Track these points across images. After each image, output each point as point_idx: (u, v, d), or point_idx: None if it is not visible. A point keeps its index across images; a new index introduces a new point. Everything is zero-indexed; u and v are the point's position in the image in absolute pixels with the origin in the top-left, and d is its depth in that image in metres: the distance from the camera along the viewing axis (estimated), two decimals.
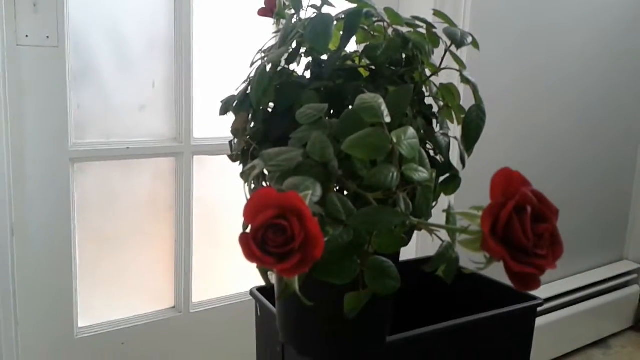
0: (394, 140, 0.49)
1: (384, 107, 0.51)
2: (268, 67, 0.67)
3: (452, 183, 0.65)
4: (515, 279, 0.39)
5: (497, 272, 1.53)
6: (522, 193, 0.39)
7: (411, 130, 0.51)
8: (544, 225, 0.40)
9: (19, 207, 1.10)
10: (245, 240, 0.37)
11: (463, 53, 0.73)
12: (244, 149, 0.73)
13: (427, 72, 0.69)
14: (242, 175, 0.52)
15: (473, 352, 0.88)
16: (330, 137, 0.54)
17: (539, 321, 1.72)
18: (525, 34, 1.69)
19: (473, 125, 0.63)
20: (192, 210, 1.33)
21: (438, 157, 0.66)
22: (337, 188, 0.54)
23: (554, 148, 1.86)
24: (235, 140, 0.73)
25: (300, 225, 0.36)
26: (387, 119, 0.50)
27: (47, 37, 1.11)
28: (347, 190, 0.53)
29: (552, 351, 1.89)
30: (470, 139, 0.63)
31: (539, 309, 1.81)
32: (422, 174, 0.49)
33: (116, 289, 1.30)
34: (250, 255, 0.36)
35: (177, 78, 1.28)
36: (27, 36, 1.09)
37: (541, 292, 1.74)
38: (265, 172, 0.54)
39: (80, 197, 1.21)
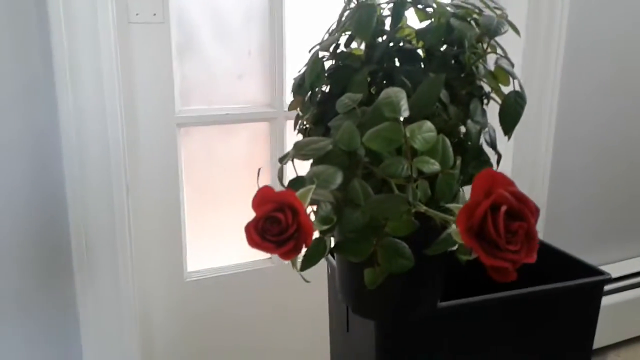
0: (408, 134, 0.54)
1: (403, 102, 0.56)
2: (321, 54, 0.73)
3: (484, 168, 0.67)
4: (491, 269, 0.44)
5: (565, 244, 1.50)
6: (498, 193, 0.43)
7: (427, 125, 0.55)
8: (520, 223, 0.43)
9: (133, 168, 1.26)
10: (248, 229, 0.45)
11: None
12: (303, 129, 0.80)
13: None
14: (280, 160, 0.60)
15: (530, 326, 0.90)
16: (360, 126, 0.60)
17: (607, 300, 1.65)
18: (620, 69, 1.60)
19: (510, 110, 0.65)
20: (285, 171, 1.43)
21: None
22: (365, 173, 0.60)
23: None
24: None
25: (293, 218, 0.43)
26: (405, 114, 0.55)
27: (154, 14, 1.24)
28: (374, 176, 0.59)
29: (617, 334, 1.76)
30: (506, 123, 0.66)
31: (608, 287, 1.75)
32: (432, 166, 0.53)
33: (220, 240, 1.45)
34: (251, 241, 0.44)
35: (271, 47, 1.37)
36: (137, 14, 1.22)
37: (613, 270, 1.65)
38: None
39: (187, 158, 1.36)
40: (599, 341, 1.70)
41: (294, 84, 0.78)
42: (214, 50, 1.33)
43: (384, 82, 0.74)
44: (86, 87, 1.08)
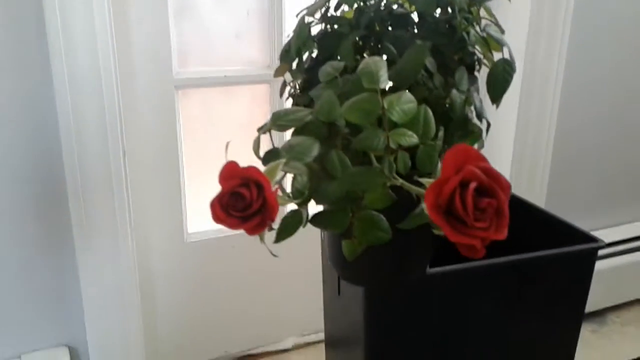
0: (386, 106, 0.53)
1: (382, 72, 0.54)
2: (308, 19, 0.72)
3: (469, 139, 0.66)
4: (459, 245, 0.43)
5: (563, 210, 1.48)
6: (468, 170, 0.42)
7: (407, 96, 0.54)
8: (489, 199, 0.43)
9: (131, 131, 1.26)
10: (212, 205, 0.44)
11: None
12: (294, 94, 0.79)
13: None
14: (259, 130, 0.59)
15: (521, 293, 0.90)
16: (341, 96, 0.59)
17: (608, 263, 1.63)
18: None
19: (498, 79, 0.64)
20: (285, 134, 1.42)
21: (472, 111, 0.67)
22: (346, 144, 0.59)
23: None
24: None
25: (258, 193, 0.43)
26: (384, 84, 0.54)
27: None
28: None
29: (608, 299, 1.75)
30: (494, 92, 0.64)
31: (609, 250, 1.74)
32: (410, 138, 0.52)
33: None
34: (215, 217, 0.44)
35: (269, 7, 1.34)
36: None
37: (606, 235, 1.63)
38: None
39: (185, 121, 1.35)
40: (598, 303, 1.70)
41: (282, 50, 0.77)
42: (212, 10, 1.31)
43: (374, 48, 0.73)
44: (79, 48, 1.07)
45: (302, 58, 0.74)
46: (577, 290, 0.96)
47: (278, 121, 0.57)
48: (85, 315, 1.22)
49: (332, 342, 1.11)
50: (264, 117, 1.42)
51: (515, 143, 1.53)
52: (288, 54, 0.75)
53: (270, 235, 0.53)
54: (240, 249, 1.46)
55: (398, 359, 0.89)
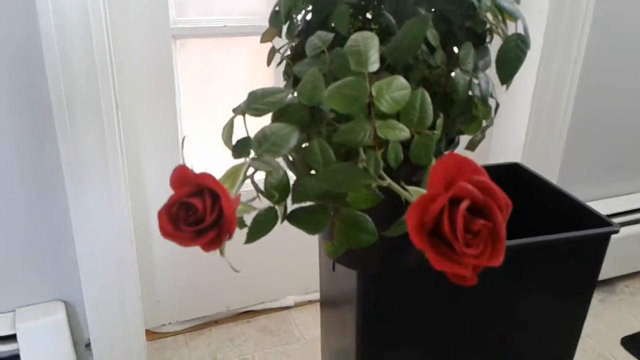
0: (374, 93, 0.45)
1: (372, 52, 0.47)
2: None
3: (473, 124, 0.59)
4: (447, 273, 0.37)
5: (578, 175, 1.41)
6: (459, 186, 0.35)
7: (399, 82, 0.46)
8: (484, 221, 0.36)
9: (126, 82, 1.19)
10: (160, 216, 0.38)
11: None
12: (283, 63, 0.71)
13: None
14: (234, 111, 0.52)
15: (527, 275, 0.85)
16: (328, 75, 0.52)
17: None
18: None
19: (510, 56, 0.56)
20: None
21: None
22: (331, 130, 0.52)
23: None
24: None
25: (213, 204, 0.37)
26: (373, 67, 0.46)
27: None
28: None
29: (617, 268, 1.68)
30: (504, 71, 0.56)
31: (620, 219, 1.67)
32: (400, 132, 0.46)
33: (218, 156, 1.40)
34: (163, 231, 0.38)
35: None
36: None
37: (618, 203, 1.55)
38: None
39: (183, 72, 1.28)
40: (607, 273, 1.65)
41: (271, 12, 0.69)
42: None
43: (373, 12, 0.64)
44: None
45: (293, 21, 0.66)
46: (588, 272, 0.90)
47: (253, 104, 0.50)
48: (79, 269, 1.19)
49: (326, 303, 1.07)
50: (266, 72, 1.35)
51: (533, 101, 1.44)
52: (277, 15, 0.67)
53: (240, 235, 0.47)
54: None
55: (393, 329, 0.85)
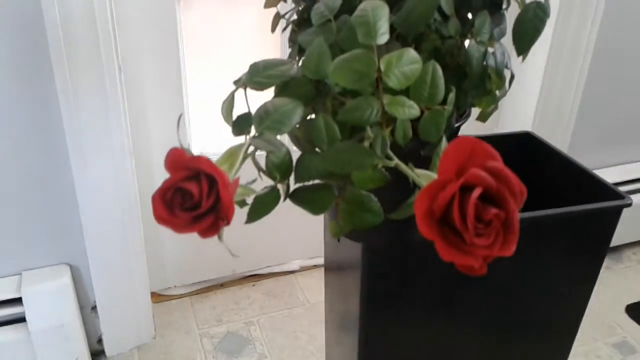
0: (382, 68, 0.43)
1: (382, 23, 0.44)
2: None
3: (487, 97, 0.56)
4: (456, 264, 0.35)
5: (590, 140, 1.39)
6: (471, 174, 0.33)
7: (409, 55, 0.44)
8: (496, 210, 0.34)
9: (125, 40, 1.16)
10: (153, 200, 0.36)
11: None
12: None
13: None
14: (235, 83, 0.50)
15: (535, 249, 0.83)
16: (334, 47, 0.49)
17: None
18: None
19: (528, 26, 0.53)
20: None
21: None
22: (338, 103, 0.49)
23: None
24: None
25: (209, 189, 0.35)
26: (382, 39, 0.44)
27: None
28: None
29: (625, 236, 1.65)
30: (521, 42, 0.53)
31: (630, 186, 1.64)
32: (410, 109, 0.43)
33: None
34: (157, 216, 0.36)
35: None
36: None
37: (629, 170, 1.51)
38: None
39: (187, 31, 1.24)
40: (615, 240, 1.62)
41: None
42: None
43: None
44: None
45: None
46: (598, 243, 0.89)
47: (255, 77, 0.47)
48: (84, 233, 1.18)
49: (330, 268, 1.07)
50: (277, 31, 1.31)
51: (546, 67, 1.40)
52: None
53: (241, 215, 0.45)
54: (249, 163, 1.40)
55: (397, 297, 0.84)
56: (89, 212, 1.16)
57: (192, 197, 0.35)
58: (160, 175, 1.29)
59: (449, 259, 0.34)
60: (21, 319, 1.14)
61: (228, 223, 0.36)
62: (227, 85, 0.50)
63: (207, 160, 0.35)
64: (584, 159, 1.59)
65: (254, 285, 1.53)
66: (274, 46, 1.31)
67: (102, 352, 1.31)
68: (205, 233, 0.36)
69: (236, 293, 1.50)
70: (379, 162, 0.43)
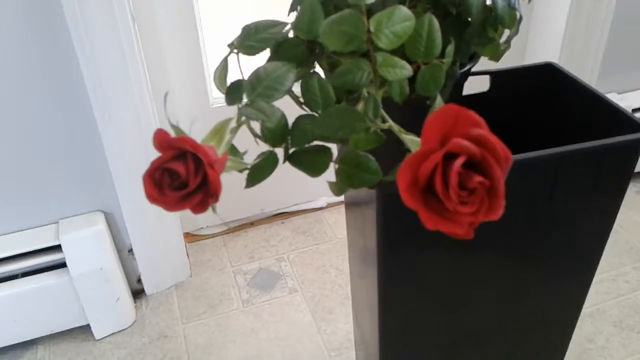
0: (372, 28, 0.42)
1: None
2: None
3: (490, 46, 0.54)
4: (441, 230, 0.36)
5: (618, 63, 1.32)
6: (454, 143, 0.33)
7: (401, 13, 0.42)
8: (481, 178, 0.34)
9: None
10: (144, 180, 0.38)
11: None
12: None
13: None
14: (229, 46, 0.49)
15: (549, 188, 0.82)
16: (327, 4, 0.48)
17: None
18: None
19: None
20: None
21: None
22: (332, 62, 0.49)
23: None
24: None
25: (196, 168, 0.36)
26: None
27: None
28: None
29: None
30: None
31: None
32: (401, 70, 0.42)
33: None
34: (148, 195, 0.38)
35: None
36: None
37: None
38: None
39: None
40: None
41: None
42: None
43: None
44: None
45: None
46: (620, 177, 0.87)
47: (247, 40, 0.47)
48: (114, 181, 1.22)
49: (350, 204, 1.08)
50: None
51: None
52: None
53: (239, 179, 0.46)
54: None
55: (413, 236, 0.85)
56: (117, 160, 1.19)
57: (179, 176, 0.36)
58: (185, 127, 1.31)
59: (432, 227, 0.35)
60: (62, 265, 1.20)
61: (217, 200, 0.37)
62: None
63: (189, 140, 0.36)
64: (614, 84, 1.54)
65: (282, 222, 1.56)
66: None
67: (143, 290, 1.38)
68: (196, 209, 0.37)
69: (266, 231, 1.54)
70: (372, 125, 0.43)
